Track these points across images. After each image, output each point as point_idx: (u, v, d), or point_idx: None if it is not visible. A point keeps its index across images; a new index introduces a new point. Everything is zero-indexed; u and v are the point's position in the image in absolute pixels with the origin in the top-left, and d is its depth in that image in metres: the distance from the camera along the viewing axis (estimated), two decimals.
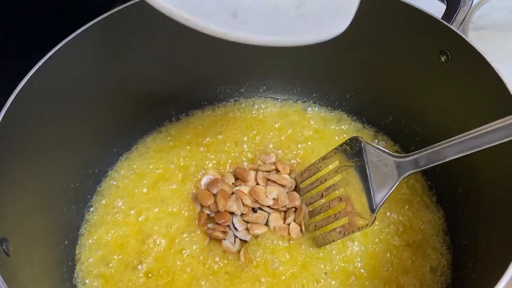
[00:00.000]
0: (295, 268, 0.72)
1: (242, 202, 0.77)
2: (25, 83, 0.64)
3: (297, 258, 0.73)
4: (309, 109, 0.95)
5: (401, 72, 0.80)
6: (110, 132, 0.85)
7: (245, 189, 0.80)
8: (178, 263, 0.73)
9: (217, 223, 0.77)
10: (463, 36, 0.67)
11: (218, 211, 0.77)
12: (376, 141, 0.90)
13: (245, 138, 0.89)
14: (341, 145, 0.71)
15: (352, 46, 0.83)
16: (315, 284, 0.70)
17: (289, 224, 0.76)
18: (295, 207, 0.78)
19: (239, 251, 0.75)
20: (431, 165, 0.59)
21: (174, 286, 0.71)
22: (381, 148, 0.66)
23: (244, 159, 0.87)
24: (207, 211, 0.79)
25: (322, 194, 0.75)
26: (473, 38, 1.06)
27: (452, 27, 0.68)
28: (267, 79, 0.97)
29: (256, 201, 0.78)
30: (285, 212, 0.78)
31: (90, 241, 0.77)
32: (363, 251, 0.74)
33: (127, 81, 0.81)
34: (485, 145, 0.53)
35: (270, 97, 0.98)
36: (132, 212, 0.80)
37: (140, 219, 0.79)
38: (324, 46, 0.84)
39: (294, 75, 0.95)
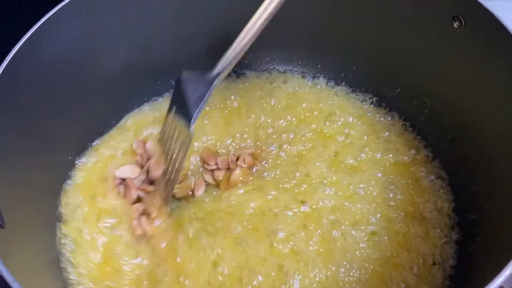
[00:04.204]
0: None
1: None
2: (18, 49, 0.62)
3: None
4: (311, 80, 0.92)
5: (410, 40, 0.77)
6: (106, 104, 0.82)
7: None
8: None
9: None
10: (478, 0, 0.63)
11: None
12: (389, 118, 0.86)
13: (249, 113, 0.87)
14: (167, 110, 0.74)
15: (358, 13, 0.80)
16: None
17: None
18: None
19: None
20: (230, 68, 0.67)
21: None
22: (193, 72, 0.71)
23: (245, 134, 0.84)
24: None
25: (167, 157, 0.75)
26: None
27: None
28: (270, 50, 0.93)
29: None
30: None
31: (88, 214, 0.75)
32: (370, 230, 0.72)
33: (123, 52, 0.80)
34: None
35: (274, 68, 0.95)
36: None
37: None
38: (330, 12, 0.83)
39: (298, 46, 0.92)
